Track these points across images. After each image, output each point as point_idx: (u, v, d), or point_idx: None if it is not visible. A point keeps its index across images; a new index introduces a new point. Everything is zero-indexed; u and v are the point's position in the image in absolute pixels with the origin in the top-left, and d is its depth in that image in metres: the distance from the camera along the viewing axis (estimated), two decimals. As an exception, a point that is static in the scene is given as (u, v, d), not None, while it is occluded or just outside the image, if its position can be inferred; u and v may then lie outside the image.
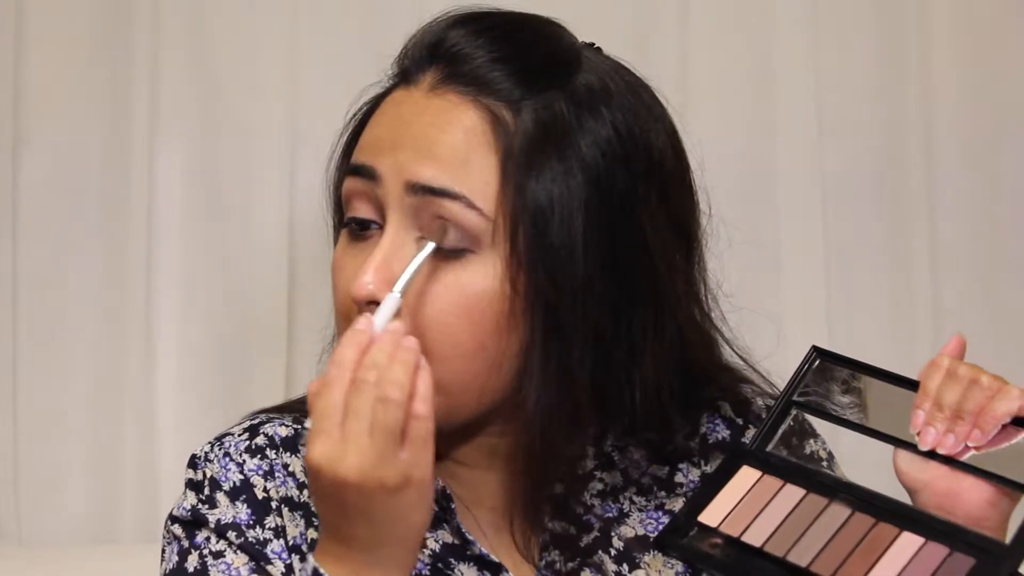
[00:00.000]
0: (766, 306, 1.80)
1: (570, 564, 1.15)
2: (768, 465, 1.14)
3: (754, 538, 1.10)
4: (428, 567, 1.13)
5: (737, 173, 1.82)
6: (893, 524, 1.08)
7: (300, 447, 1.17)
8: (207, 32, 1.78)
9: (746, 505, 1.12)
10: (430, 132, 1.07)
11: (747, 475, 1.14)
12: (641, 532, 1.18)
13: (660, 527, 1.18)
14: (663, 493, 1.20)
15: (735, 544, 1.10)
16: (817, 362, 1.18)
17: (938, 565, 1.05)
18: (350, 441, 0.98)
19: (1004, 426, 1.09)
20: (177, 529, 1.15)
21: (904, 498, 1.11)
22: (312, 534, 1.14)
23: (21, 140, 1.76)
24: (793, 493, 1.12)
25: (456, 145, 1.07)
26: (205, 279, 1.78)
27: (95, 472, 1.76)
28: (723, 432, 1.23)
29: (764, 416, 1.21)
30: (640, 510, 1.19)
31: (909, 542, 1.07)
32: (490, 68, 1.08)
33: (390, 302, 1.03)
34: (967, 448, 1.10)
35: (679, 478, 1.21)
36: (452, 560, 1.14)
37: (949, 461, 1.10)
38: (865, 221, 1.85)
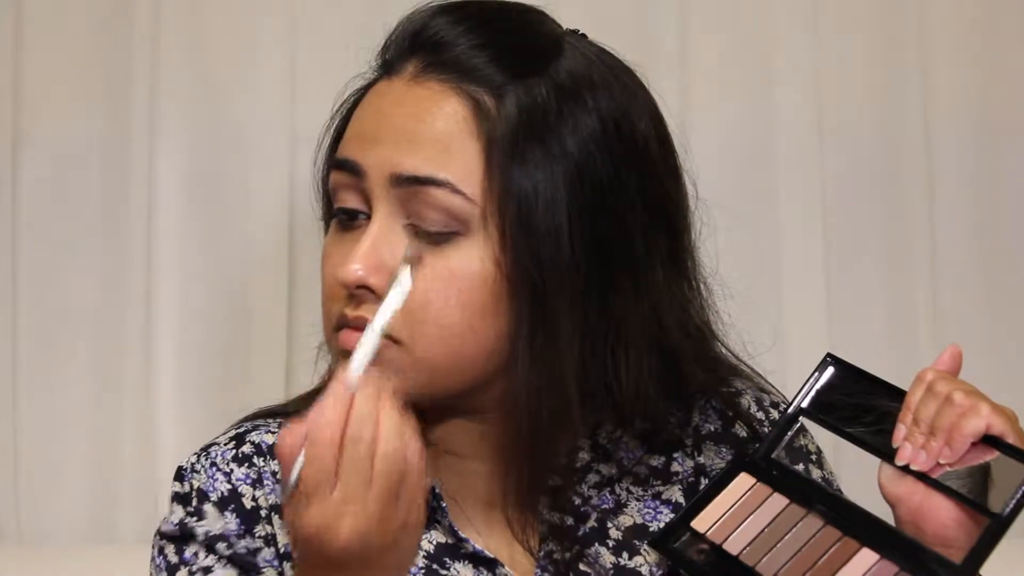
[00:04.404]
0: (766, 305, 1.80)
1: (567, 555, 1.15)
2: (764, 473, 1.17)
3: (733, 546, 1.13)
4: (423, 570, 1.13)
5: (737, 172, 1.82)
6: (856, 539, 1.10)
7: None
8: (207, 32, 1.78)
9: (734, 513, 1.15)
10: (411, 123, 1.08)
11: (742, 482, 1.17)
12: (640, 521, 1.19)
13: (658, 515, 1.19)
14: (659, 482, 1.21)
15: (717, 551, 1.13)
16: (830, 369, 1.19)
17: None
18: (348, 504, 0.95)
19: (976, 444, 1.08)
20: (165, 545, 1.14)
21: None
22: None
23: (21, 140, 1.76)
24: (777, 502, 1.14)
25: (437, 134, 1.07)
26: (205, 279, 1.78)
27: (95, 472, 1.76)
28: (715, 423, 1.24)
29: (777, 422, 1.21)
30: (637, 500, 1.20)
31: (865, 558, 1.09)
32: (471, 55, 1.09)
33: (372, 339, 1.01)
34: (940, 465, 1.10)
35: (675, 467, 1.22)
36: (447, 560, 1.14)
37: (923, 477, 1.10)
38: (865, 221, 1.85)
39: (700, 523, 1.15)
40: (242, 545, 1.13)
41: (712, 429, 1.24)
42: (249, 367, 1.77)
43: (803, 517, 1.13)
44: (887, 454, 1.12)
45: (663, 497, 1.20)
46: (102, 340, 1.77)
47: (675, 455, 1.22)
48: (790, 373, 1.78)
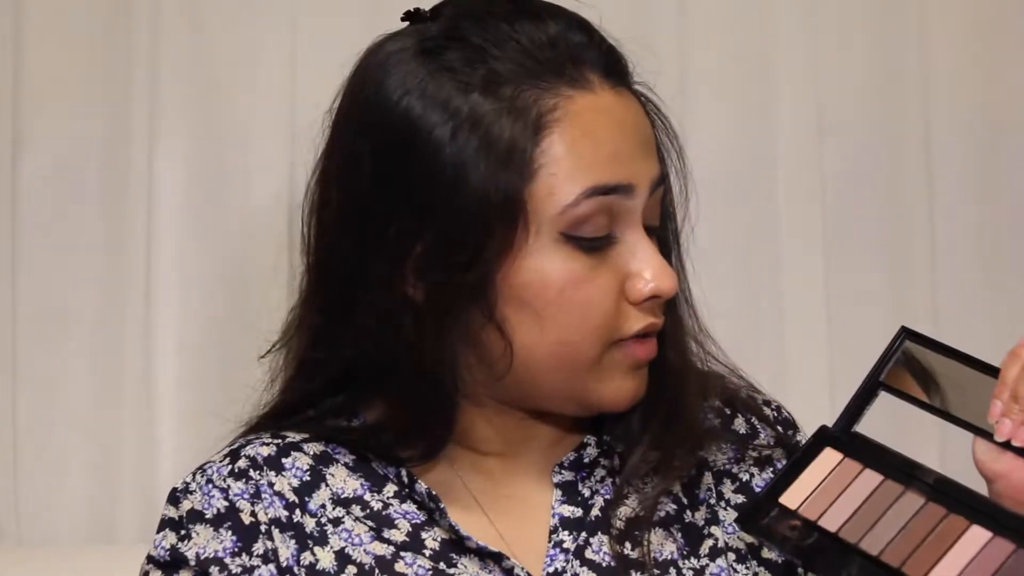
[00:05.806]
0: (766, 305, 1.80)
1: (578, 544, 1.16)
2: (850, 448, 1.15)
3: (831, 523, 1.11)
4: (430, 571, 1.13)
5: (737, 172, 1.82)
6: (964, 516, 1.08)
7: (283, 461, 1.17)
8: (207, 32, 1.78)
9: (825, 489, 1.13)
10: (645, 131, 1.14)
11: (829, 457, 1.15)
12: (641, 513, 1.19)
13: (657, 506, 1.19)
14: (659, 477, 1.21)
15: (812, 528, 1.11)
16: (905, 342, 1.18)
17: (1003, 561, 1.05)
18: None
19: None
20: (151, 571, 1.13)
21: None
22: (307, 557, 1.13)
23: (21, 139, 1.76)
24: (871, 478, 1.12)
25: (653, 135, 1.16)
26: (204, 278, 1.78)
27: (95, 472, 1.77)
28: (713, 421, 1.25)
29: (855, 395, 1.20)
30: (637, 492, 1.20)
31: (977, 536, 1.07)
32: (624, 63, 1.16)
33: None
34: None
35: (676, 463, 1.22)
36: (453, 556, 1.14)
37: (1022, 452, 1.09)
38: (865, 221, 1.85)
39: (789, 499, 1.13)
40: (237, 564, 1.12)
41: (710, 426, 1.25)
42: (249, 367, 1.77)
43: (902, 493, 1.11)
44: (980, 429, 1.11)
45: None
46: (102, 340, 1.77)
47: (676, 451, 1.22)
48: (789, 372, 1.78)
